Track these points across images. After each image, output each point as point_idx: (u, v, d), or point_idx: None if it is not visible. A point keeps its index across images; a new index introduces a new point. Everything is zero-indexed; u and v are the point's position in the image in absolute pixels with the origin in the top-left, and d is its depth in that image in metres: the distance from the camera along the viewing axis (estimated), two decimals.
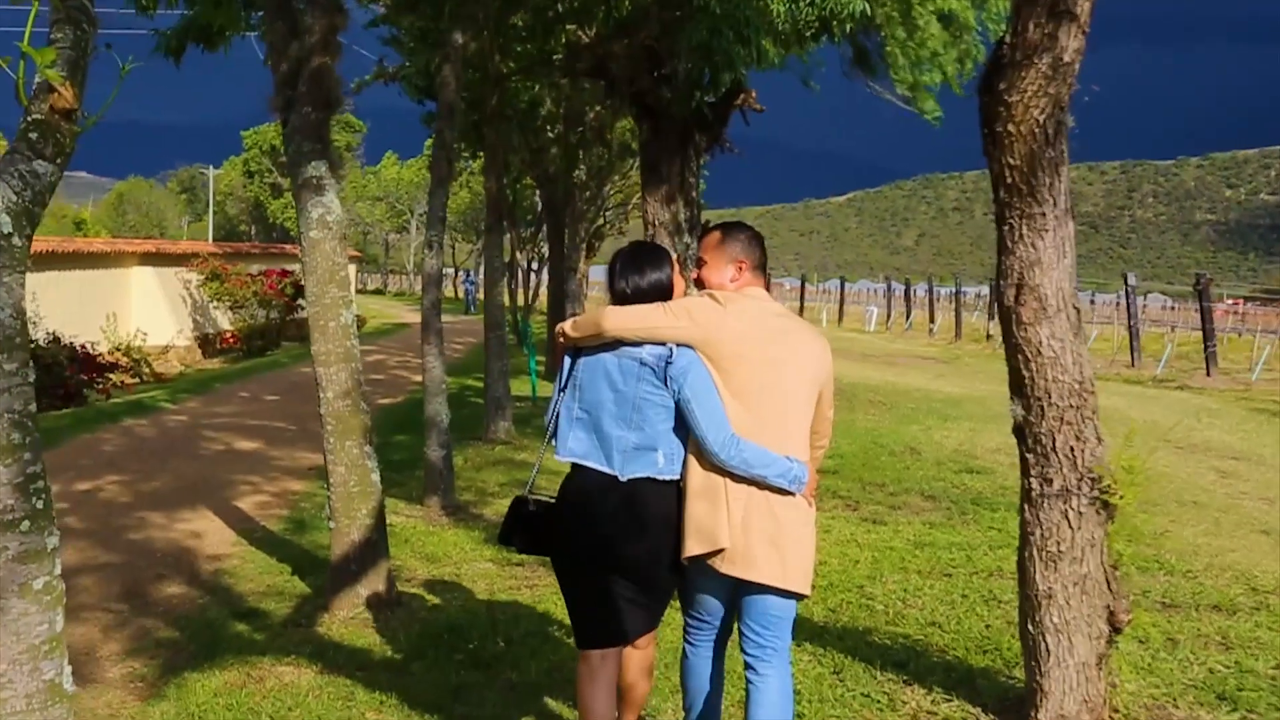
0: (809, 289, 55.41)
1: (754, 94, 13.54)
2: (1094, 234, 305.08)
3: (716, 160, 15.46)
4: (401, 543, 7.83)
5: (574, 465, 3.70)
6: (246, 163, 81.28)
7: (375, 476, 6.15)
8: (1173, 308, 51.22)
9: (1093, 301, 47.89)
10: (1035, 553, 4.22)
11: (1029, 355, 4.12)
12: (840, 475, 10.22)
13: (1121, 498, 4.16)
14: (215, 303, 25.72)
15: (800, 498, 3.63)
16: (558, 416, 3.75)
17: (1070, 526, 4.14)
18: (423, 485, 9.24)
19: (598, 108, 18.17)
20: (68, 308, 19.54)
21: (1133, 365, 23.99)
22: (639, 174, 14.76)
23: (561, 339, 3.80)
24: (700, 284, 3.88)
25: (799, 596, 3.69)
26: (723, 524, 3.53)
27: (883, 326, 41.69)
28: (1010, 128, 3.96)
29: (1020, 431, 4.24)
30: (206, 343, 25.68)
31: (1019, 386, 4.20)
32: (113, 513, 8.72)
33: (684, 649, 3.92)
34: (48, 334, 16.22)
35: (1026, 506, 4.27)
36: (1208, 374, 21.69)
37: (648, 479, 3.59)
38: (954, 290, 47.01)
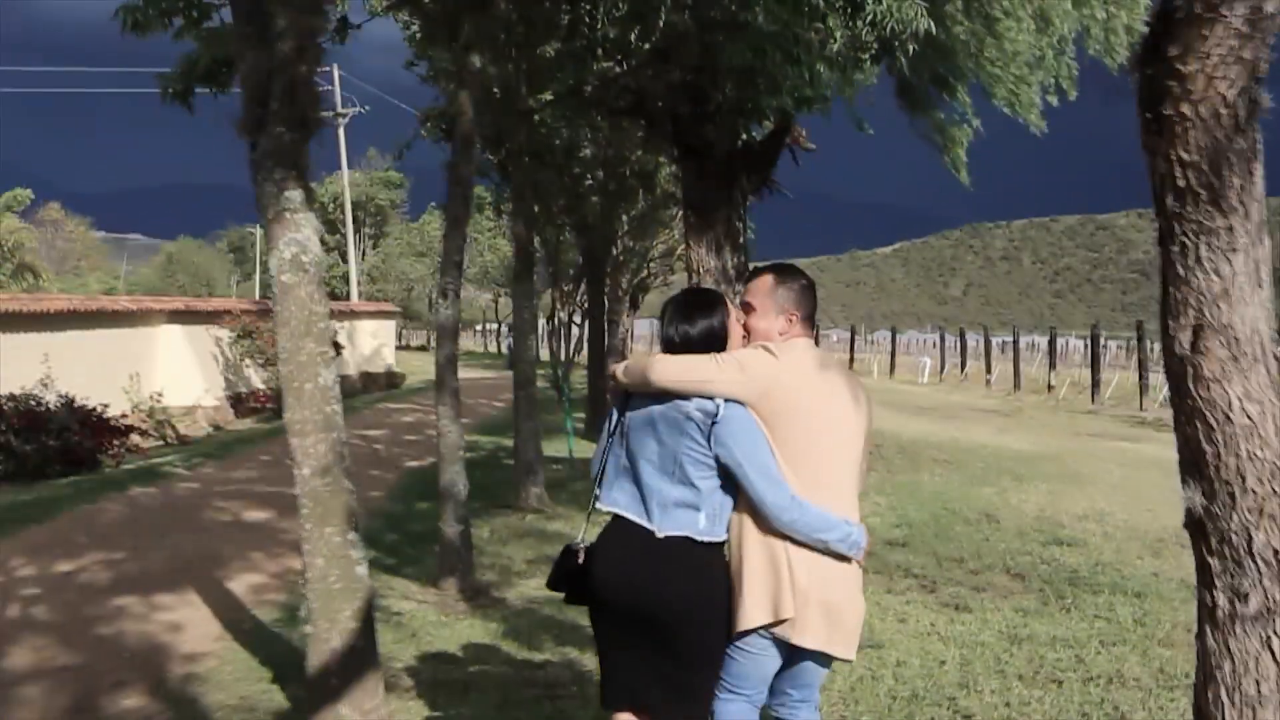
0: (858, 340, 54.00)
1: (804, 132, 12.54)
2: (1144, 281, 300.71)
3: (760, 212, 14.38)
4: (407, 636, 6.77)
5: (614, 515, 3.56)
6: None
7: (361, 570, 5.09)
8: None
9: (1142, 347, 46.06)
10: (1223, 694, 3.06)
11: (1213, 423, 2.99)
12: (911, 548, 9.05)
13: None
14: (247, 361, 24.94)
15: (854, 561, 3.50)
16: (605, 464, 3.66)
17: (1275, 659, 2.99)
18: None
19: (639, 151, 17.26)
20: (88, 368, 18.78)
21: None
22: (683, 222, 13.82)
23: (612, 382, 3.74)
24: (747, 331, 3.68)
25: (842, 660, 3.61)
26: (786, 591, 3.37)
27: (936, 378, 40.30)
28: (1184, 108, 2.86)
29: (1199, 526, 3.10)
30: (239, 402, 24.86)
31: (1196, 465, 3.06)
32: (87, 600, 7.70)
33: (711, 711, 3.58)
34: (60, 396, 15.39)
35: (1210, 630, 3.11)
36: None
37: (685, 538, 3.40)
38: (1011, 340, 45.61)
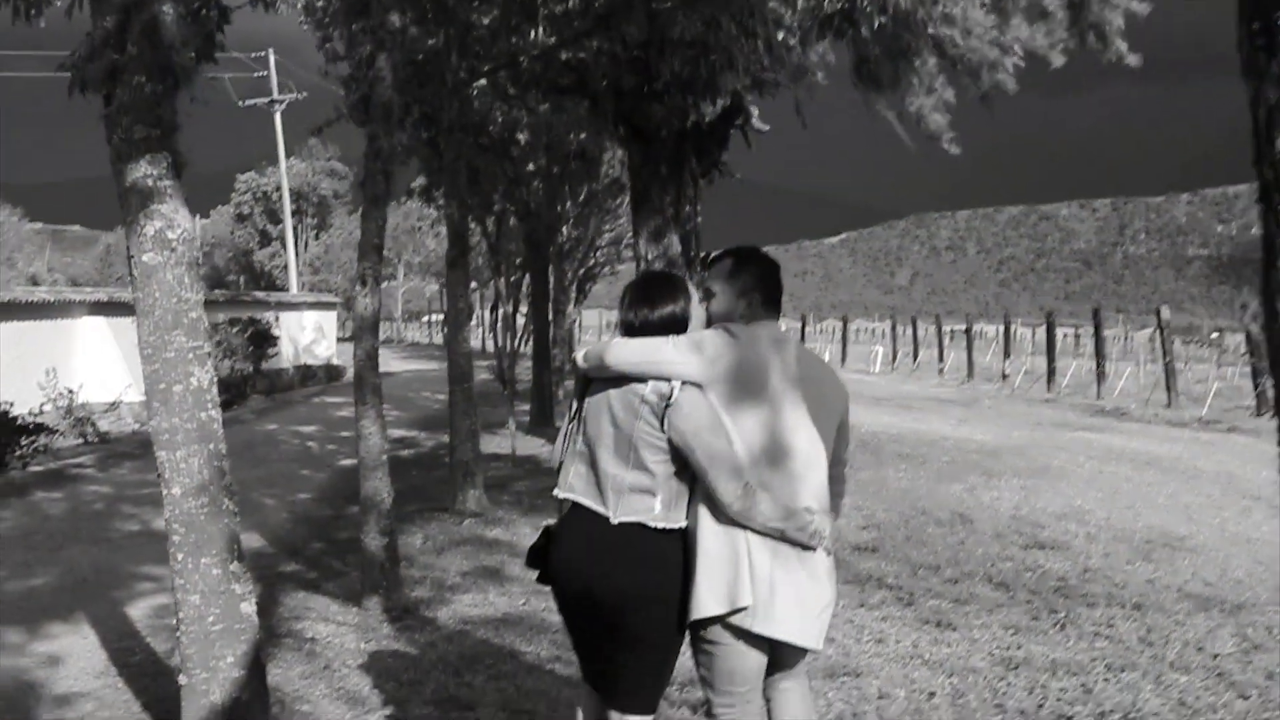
0: (808, 330, 53.56)
1: (755, 113, 11.76)
2: (1086, 270, 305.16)
3: (705, 199, 13.66)
4: (319, 669, 5.91)
5: (572, 503, 3.51)
6: (238, 206, 79.21)
7: (247, 607, 4.23)
8: (1190, 343, 49.33)
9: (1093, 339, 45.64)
10: None
11: None
12: (882, 554, 8.32)
13: None
14: None
15: (820, 550, 3.38)
16: (565, 451, 3.60)
17: None
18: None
19: (582, 134, 16.41)
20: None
21: (1169, 406, 22.09)
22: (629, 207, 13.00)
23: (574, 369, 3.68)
24: (708, 316, 3.58)
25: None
26: (744, 580, 3.25)
27: (888, 367, 39.83)
28: None
29: None
30: None
31: None
32: None
33: None
34: None
35: None
36: (1258, 414, 19.81)
37: (640, 525, 3.34)
38: (957, 328, 45.17)
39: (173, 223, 4.06)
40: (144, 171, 4.04)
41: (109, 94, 4.11)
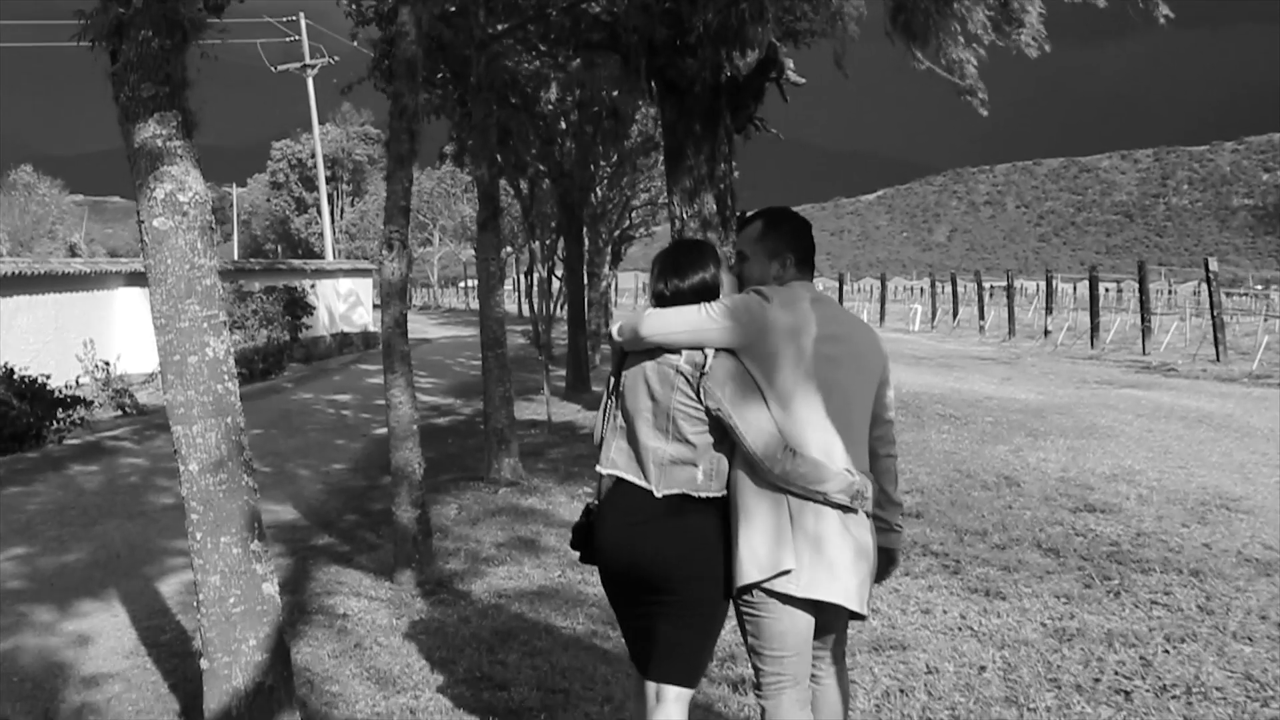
0: (845, 288, 53.13)
1: (790, 64, 11.47)
2: (1128, 223, 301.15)
3: (742, 158, 13.31)
4: (350, 647, 5.78)
5: (615, 479, 3.48)
6: (273, 174, 79.40)
7: (269, 588, 4.07)
8: (1234, 295, 48.48)
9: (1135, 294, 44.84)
10: None
11: None
12: (927, 519, 8.09)
13: None
14: None
15: (861, 513, 3.33)
16: (605, 426, 3.58)
17: None
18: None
19: (614, 91, 16.12)
20: (38, 336, 17.74)
21: (1218, 360, 21.63)
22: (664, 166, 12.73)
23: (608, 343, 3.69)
24: (741, 280, 3.56)
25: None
26: (787, 544, 3.23)
27: (927, 325, 39.38)
28: None
29: None
30: None
31: None
32: None
33: (761, 709, 3.39)
34: (1, 366, 14.27)
35: None
36: None
37: (684, 496, 3.33)
38: (996, 285, 44.61)
39: (184, 185, 3.87)
40: (152, 131, 3.85)
41: (115, 50, 3.92)
